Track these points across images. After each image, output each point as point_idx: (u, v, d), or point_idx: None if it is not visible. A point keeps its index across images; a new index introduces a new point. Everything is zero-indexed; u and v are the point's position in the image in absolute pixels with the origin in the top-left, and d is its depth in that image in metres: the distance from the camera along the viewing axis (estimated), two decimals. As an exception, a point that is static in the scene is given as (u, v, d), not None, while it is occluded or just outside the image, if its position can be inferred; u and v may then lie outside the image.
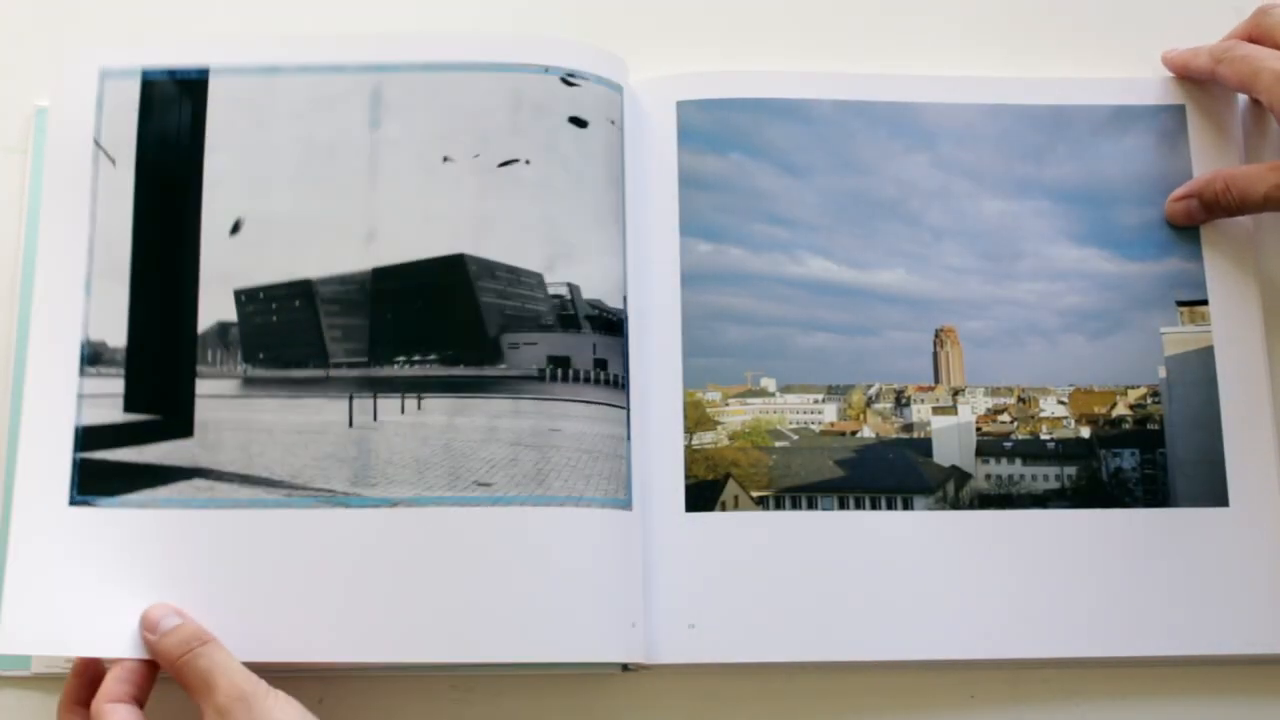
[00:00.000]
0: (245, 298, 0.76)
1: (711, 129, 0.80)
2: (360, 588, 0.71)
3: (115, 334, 0.75)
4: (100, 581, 0.71)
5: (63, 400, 0.73)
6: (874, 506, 0.76)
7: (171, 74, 0.78)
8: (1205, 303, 0.78)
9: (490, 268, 0.75)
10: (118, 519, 0.72)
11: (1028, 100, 0.82)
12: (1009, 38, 0.86)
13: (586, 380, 0.75)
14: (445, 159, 0.76)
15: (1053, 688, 0.75)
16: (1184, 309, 0.78)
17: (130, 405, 0.74)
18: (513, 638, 0.70)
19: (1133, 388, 0.78)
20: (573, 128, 0.77)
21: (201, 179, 0.77)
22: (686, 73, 0.81)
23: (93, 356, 0.74)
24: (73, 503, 0.72)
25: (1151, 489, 0.76)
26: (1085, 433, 0.78)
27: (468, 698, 0.75)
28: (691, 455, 0.76)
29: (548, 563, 0.71)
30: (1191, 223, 0.79)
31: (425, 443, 0.74)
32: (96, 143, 0.77)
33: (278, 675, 0.69)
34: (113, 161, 0.77)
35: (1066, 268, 0.80)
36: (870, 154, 0.81)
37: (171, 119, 0.77)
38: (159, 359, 0.75)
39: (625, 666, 0.73)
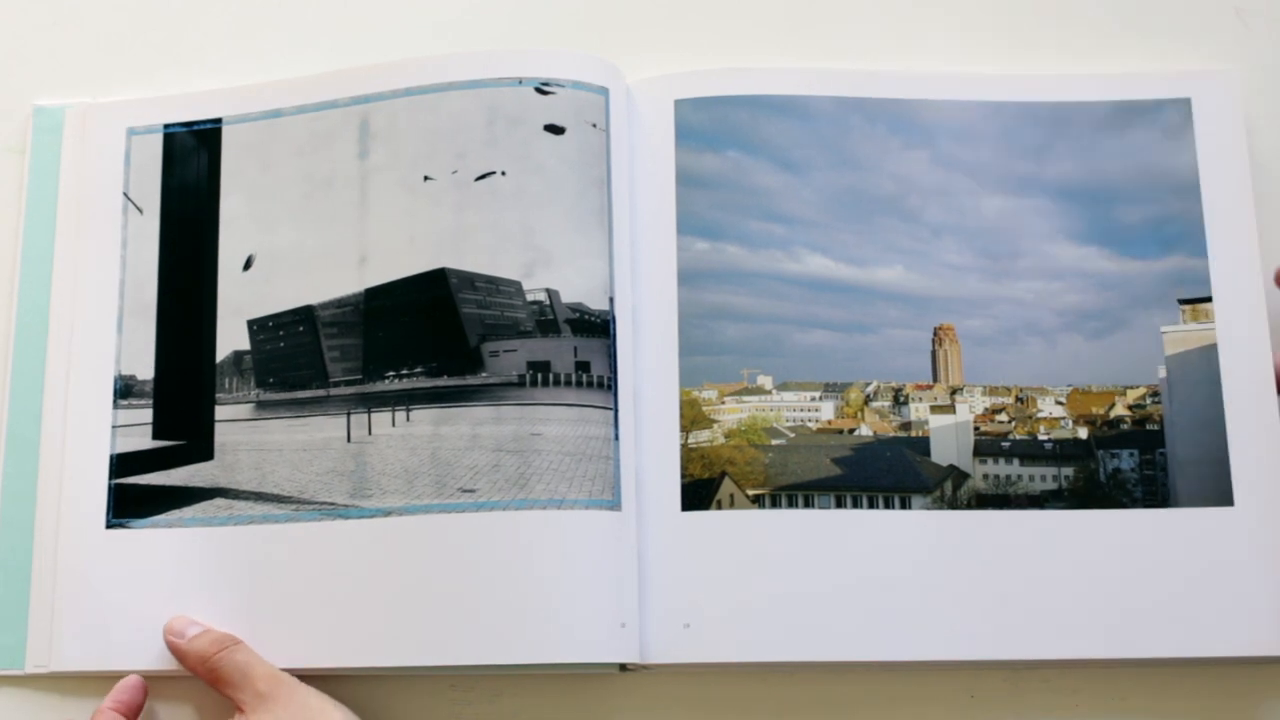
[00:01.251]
0: (256, 327, 0.80)
1: (709, 127, 0.80)
2: (359, 596, 0.73)
3: (144, 368, 0.80)
4: (134, 598, 0.76)
5: (99, 432, 0.79)
6: (871, 505, 0.76)
7: (189, 126, 0.82)
8: (1209, 299, 0.77)
9: (470, 279, 0.76)
10: (148, 539, 0.77)
11: (1028, 98, 0.81)
12: (1009, 34, 0.85)
13: (568, 384, 0.75)
14: (426, 178, 0.78)
15: (1053, 687, 0.74)
16: (1186, 306, 0.77)
17: (158, 433, 0.79)
18: (501, 641, 0.71)
19: (1131, 388, 0.77)
20: (549, 135, 0.77)
21: (218, 220, 0.81)
22: (684, 71, 0.81)
23: (124, 390, 0.80)
24: (109, 525, 0.77)
25: (1150, 490, 0.75)
26: (1083, 433, 0.77)
27: (467, 698, 0.75)
28: (687, 454, 0.76)
29: (532, 565, 0.72)
30: None
31: (414, 453, 0.75)
32: (125, 195, 0.82)
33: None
34: (140, 210, 0.81)
35: (1066, 266, 0.79)
36: (869, 150, 0.80)
37: (190, 168, 0.82)
38: (182, 389, 0.80)
39: (623, 666, 0.73)
